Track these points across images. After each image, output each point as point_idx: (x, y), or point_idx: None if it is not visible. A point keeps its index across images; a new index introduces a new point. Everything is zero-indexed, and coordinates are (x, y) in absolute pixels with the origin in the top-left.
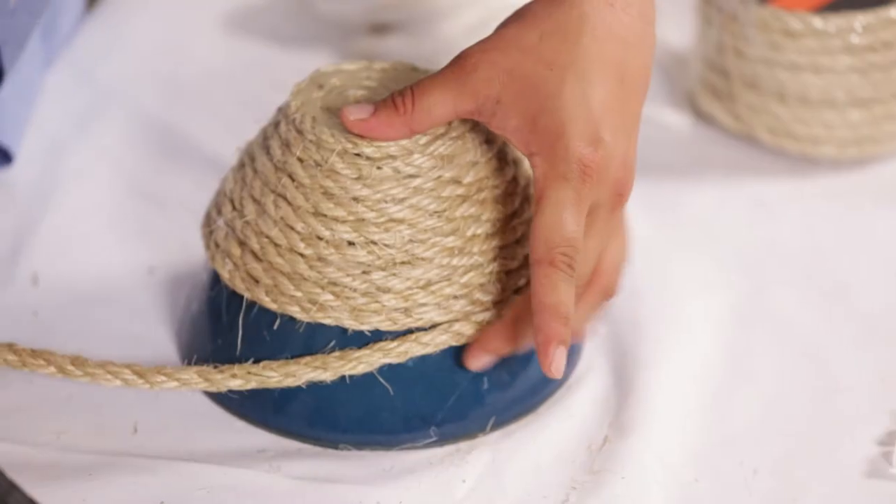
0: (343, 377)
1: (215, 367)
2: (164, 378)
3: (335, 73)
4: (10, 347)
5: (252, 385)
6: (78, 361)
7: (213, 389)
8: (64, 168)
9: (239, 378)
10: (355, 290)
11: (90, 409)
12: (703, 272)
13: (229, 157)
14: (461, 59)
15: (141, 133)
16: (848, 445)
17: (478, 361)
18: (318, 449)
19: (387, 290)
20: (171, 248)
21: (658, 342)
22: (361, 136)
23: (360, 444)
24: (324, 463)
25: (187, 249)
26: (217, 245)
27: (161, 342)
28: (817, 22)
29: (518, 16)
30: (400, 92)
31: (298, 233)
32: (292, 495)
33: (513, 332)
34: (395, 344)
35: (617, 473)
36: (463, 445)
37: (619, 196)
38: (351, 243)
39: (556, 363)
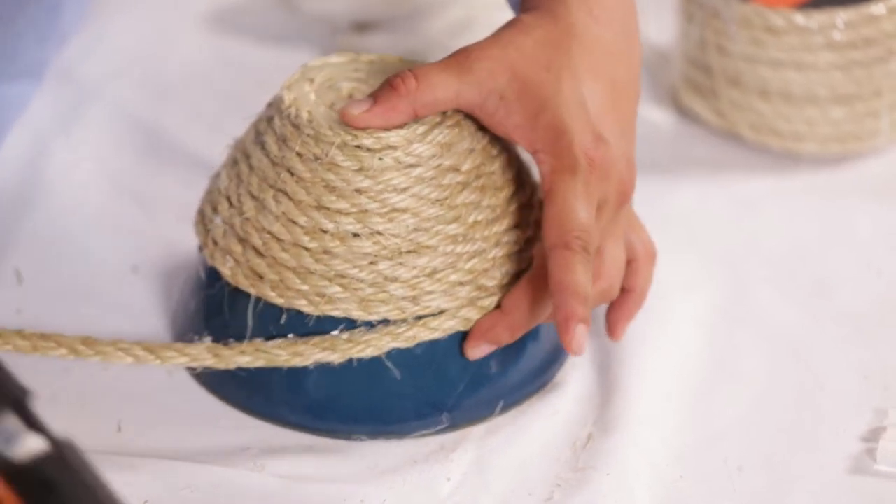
0: (351, 364)
1: (224, 344)
2: (174, 353)
3: (323, 66)
4: (19, 333)
5: (260, 363)
6: (88, 342)
7: (222, 366)
8: (48, 166)
9: (248, 355)
10: (363, 282)
11: (74, 407)
12: (686, 269)
13: (213, 155)
14: (462, 53)
15: (125, 132)
16: (832, 442)
17: (478, 351)
18: (302, 447)
19: (394, 280)
20: (154, 246)
21: (642, 340)
22: (364, 129)
23: (374, 434)
24: (308, 461)
25: (171, 247)
26: (215, 243)
27: (146, 339)
28: (799, 18)
29: (510, 24)
30: (397, 74)
31: (302, 227)
32: (276, 493)
33: (513, 320)
34: (403, 329)
35: (601, 471)
36: (447, 443)
37: (624, 195)
38: (356, 235)
39: (577, 340)
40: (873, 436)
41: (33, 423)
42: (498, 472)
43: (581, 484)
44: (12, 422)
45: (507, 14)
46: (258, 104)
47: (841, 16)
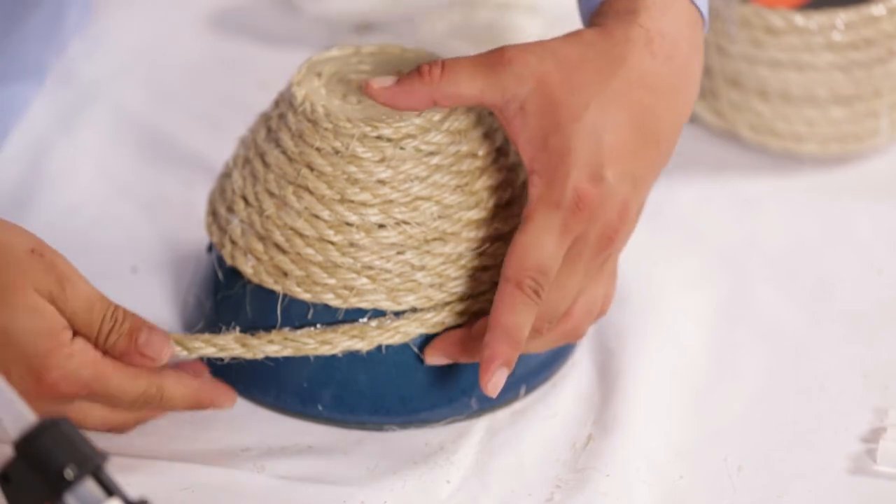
0: (379, 355)
1: (252, 334)
2: (202, 344)
3: (327, 60)
4: None
5: (288, 351)
6: None
7: (250, 356)
8: (48, 166)
9: (276, 344)
10: (390, 272)
11: None
12: (687, 270)
13: (213, 155)
14: (497, 51)
15: (125, 132)
16: (832, 442)
17: (433, 359)
18: (302, 447)
19: (421, 268)
20: (153, 246)
21: (642, 340)
22: (382, 104)
23: (405, 424)
24: (308, 463)
25: (171, 248)
26: (234, 242)
27: None
28: (799, 19)
29: (570, 33)
30: (429, 63)
31: (325, 221)
32: (276, 495)
33: (473, 344)
34: (431, 315)
35: (601, 471)
36: (448, 445)
37: (608, 240)
38: (381, 226)
39: (494, 382)
40: (873, 436)
41: (111, 489)
42: (497, 473)
43: (581, 485)
44: (93, 489)
45: (505, 15)
46: (258, 104)
47: (841, 16)
